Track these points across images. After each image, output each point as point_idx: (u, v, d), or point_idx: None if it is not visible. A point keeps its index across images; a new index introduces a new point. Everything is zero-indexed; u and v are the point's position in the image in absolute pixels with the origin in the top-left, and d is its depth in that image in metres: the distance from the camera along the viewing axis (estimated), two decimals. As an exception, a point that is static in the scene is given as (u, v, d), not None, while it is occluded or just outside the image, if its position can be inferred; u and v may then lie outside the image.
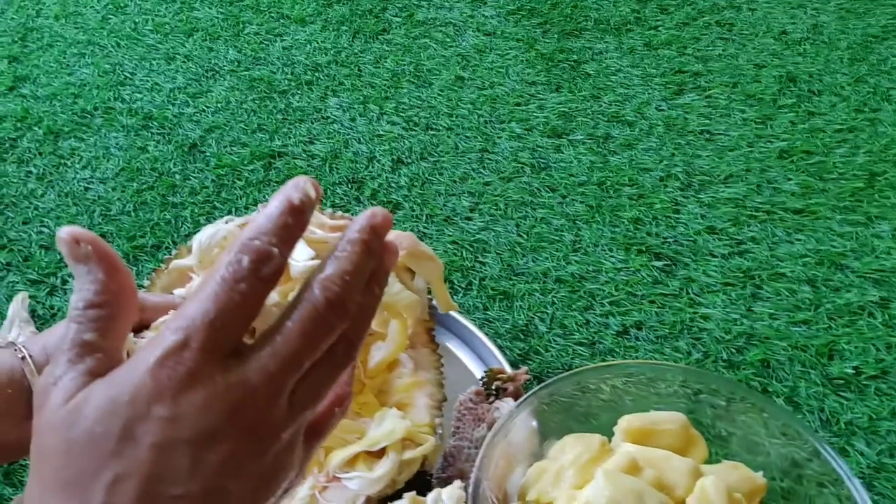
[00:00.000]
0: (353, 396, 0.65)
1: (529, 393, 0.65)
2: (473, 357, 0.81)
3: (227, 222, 0.66)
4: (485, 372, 0.74)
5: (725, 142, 1.06)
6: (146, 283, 0.69)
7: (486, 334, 0.80)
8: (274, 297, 0.66)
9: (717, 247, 0.91)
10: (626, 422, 0.63)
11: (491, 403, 0.72)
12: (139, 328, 0.53)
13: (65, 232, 0.35)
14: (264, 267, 0.34)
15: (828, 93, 1.14)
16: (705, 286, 0.87)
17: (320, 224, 0.66)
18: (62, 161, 1.08)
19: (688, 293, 0.86)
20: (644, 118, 1.11)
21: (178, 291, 0.64)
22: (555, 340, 0.83)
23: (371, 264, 0.37)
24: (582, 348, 0.82)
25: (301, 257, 0.63)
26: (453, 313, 0.80)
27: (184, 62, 1.25)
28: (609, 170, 1.03)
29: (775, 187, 0.99)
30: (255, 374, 0.33)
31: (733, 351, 0.80)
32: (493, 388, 0.72)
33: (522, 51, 1.24)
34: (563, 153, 1.06)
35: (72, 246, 0.35)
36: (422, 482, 0.66)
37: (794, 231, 0.93)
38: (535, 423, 0.65)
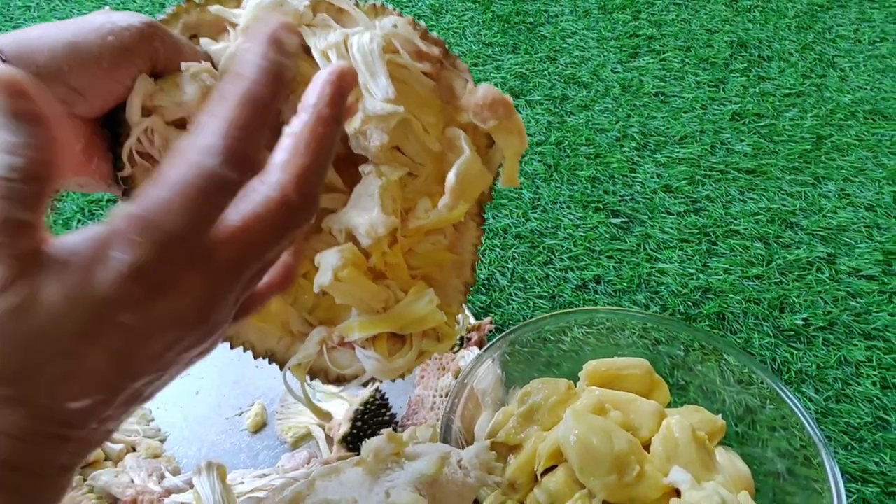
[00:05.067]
0: (363, 258, 0.52)
1: (495, 339, 0.65)
2: (435, 310, 0.80)
3: None
4: (449, 323, 0.74)
5: (679, 104, 1.08)
6: (167, 11, 0.49)
7: (449, 287, 0.80)
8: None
9: (673, 205, 0.93)
10: (591, 367, 0.64)
11: (455, 353, 0.72)
12: (161, 72, 0.44)
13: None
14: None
15: (777, 59, 1.16)
16: (662, 242, 0.89)
17: (406, 40, 0.46)
18: None
19: (645, 249, 0.88)
20: (600, 80, 1.11)
21: (206, 41, 0.48)
22: (516, 294, 0.83)
23: (330, 139, 0.34)
24: (542, 301, 0.82)
25: (381, 95, 0.45)
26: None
27: None
28: (566, 130, 1.03)
29: (728, 148, 1.01)
30: (224, 272, 0.32)
31: (690, 304, 0.82)
32: (458, 337, 0.73)
33: (479, 12, 1.23)
34: (520, 113, 1.05)
35: (13, 96, 0.28)
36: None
37: (746, 190, 0.95)
38: (500, 372, 0.66)
